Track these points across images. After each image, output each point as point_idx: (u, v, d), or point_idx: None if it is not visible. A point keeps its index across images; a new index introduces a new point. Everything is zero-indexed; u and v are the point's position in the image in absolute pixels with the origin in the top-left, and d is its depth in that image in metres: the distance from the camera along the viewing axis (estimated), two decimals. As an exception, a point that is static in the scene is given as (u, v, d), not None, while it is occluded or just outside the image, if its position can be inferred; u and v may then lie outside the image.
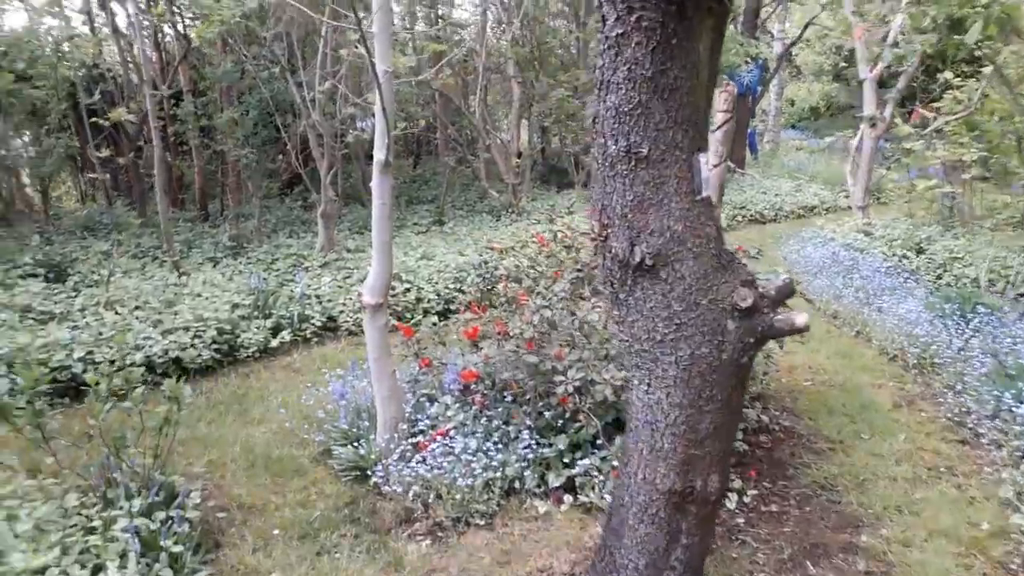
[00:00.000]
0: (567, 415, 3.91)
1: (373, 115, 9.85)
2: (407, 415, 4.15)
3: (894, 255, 8.58)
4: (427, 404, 4.27)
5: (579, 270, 4.12)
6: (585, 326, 3.94)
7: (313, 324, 6.30)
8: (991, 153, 9.46)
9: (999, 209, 9.57)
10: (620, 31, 2.01)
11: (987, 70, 9.14)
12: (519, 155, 10.63)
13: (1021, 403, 4.33)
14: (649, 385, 2.37)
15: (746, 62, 13.32)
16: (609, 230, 2.24)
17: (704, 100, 2.13)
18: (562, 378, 3.70)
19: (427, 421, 4.11)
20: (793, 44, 15.39)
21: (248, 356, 5.83)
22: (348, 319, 6.49)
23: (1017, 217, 8.93)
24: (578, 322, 3.90)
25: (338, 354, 5.96)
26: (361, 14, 4.13)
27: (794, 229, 11.31)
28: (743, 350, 2.27)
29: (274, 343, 5.98)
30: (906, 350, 5.78)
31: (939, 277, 8.01)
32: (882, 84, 10.47)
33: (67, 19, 11.41)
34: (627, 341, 2.37)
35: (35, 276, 6.72)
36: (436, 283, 7.12)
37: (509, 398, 4.05)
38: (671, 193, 2.12)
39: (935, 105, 9.59)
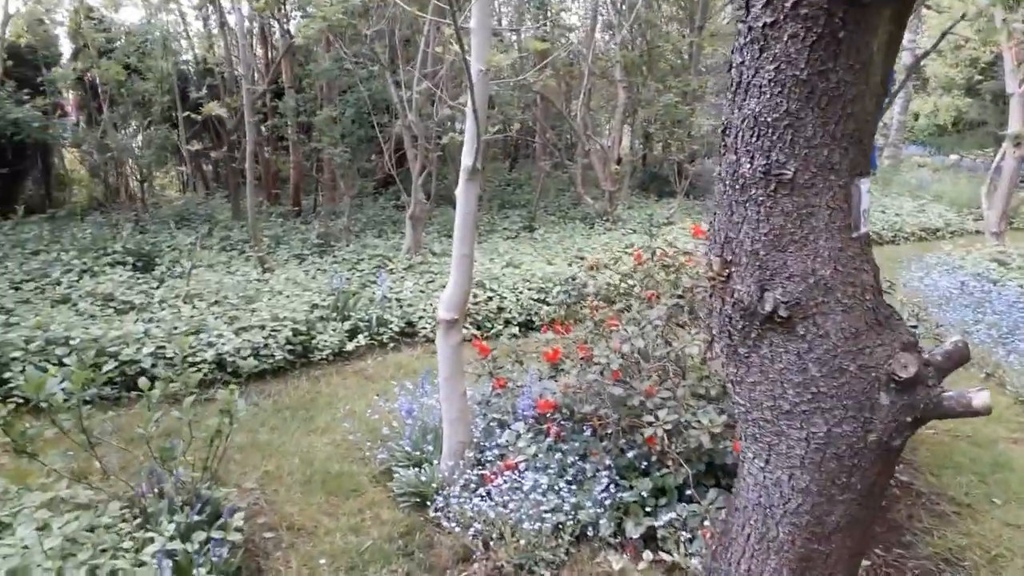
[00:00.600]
0: (653, 457, 3.45)
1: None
2: (475, 440, 3.78)
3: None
4: (497, 430, 3.88)
5: (680, 296, 3.64)
6: (680, 359, 3.47)
7: (391, 329, 6.03)
8: None
9: None
10: (769, 19, 1.55)
11: None
12: (619, 161, 10.14)
13: None
14: (767, 462, 1.90)
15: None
16: (733, 268, 1.79)
17: (873, 112, 1.64)
18: (651, 419, 3.24)
19: (495, 451, 3.73)
20: (926, 55, 14.21)
21: (322, 359, 5.61)
22: (427, 325, 6.19)
23: None
24: (674, 354, 3.43)
25: (413, 362, 5.67)
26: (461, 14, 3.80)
27: (916, 252, 10.35)
28: (896, 431, 1.78)
29: (349, 347, 5.74)
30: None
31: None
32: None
33: (183, 15, 11.73)
34: (743, 406, 1.90)
35: (123, 264, 6.74)
36: (520, 292, 6.75)
37: (588, 431, 3.62)
38: (820, 228, 1.65)
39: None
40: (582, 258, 8.11)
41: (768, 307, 1.72)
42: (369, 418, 4.49)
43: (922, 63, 15.09)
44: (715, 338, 1.91)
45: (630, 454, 3.53)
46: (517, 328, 6.44)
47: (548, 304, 6.73)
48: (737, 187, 1.72)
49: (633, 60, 10.08)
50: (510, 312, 6.50)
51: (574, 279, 4.44)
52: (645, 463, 3.50)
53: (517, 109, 9.65)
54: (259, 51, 11.36)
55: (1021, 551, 3.51)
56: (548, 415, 3.61)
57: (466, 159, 3.49)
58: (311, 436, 4.49)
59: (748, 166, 1.68)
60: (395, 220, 8.99)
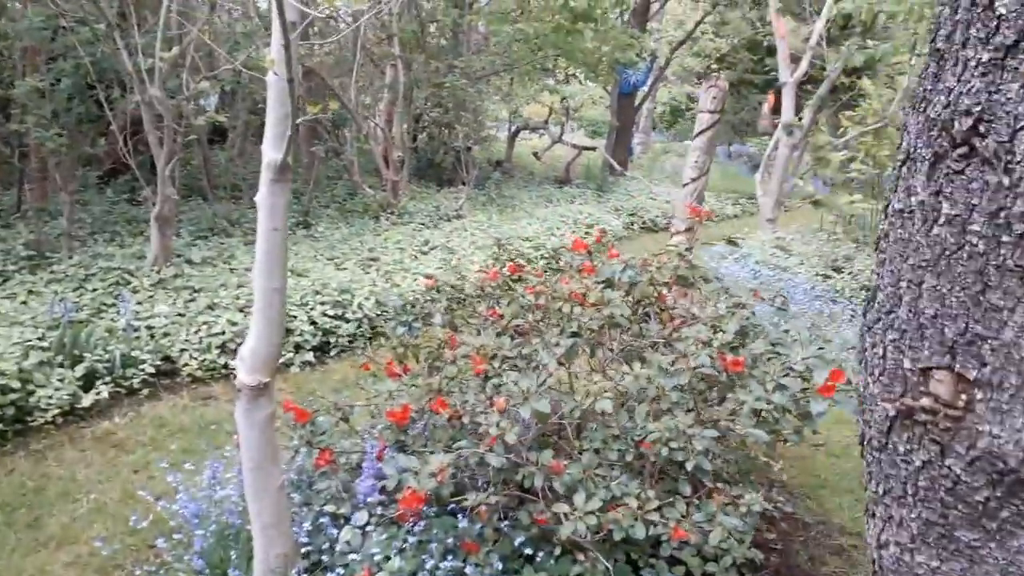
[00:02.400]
0: (558, 548, 2.63)
1: (225, 91, 8.01)
2: (301, 547, 2.71)
3: (816, 275, 7.96)
4: (330, 527, 2.82)
5: (575, 333, 2.82)
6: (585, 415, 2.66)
7: (143, 371, 4.58)
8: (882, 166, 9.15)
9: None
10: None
11: (902, 78, 8.78)
12: (400, 148, 9.14)
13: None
14: None
15: (643, 58, 12.56)
16: (980, 395, 0.96)
17: None
18: (565, 508, 2.40)
19: (331, 556, 2.69)
20: (683, 43, 14.87)
21: (47, 422, 4.04)
22: (193, 360, 4.81)
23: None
24: (578, 410, 2.61)
25: (179, 416, 4.30)
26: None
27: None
28: None
29: (86, 401, 4.22)
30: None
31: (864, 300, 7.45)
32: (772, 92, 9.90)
33: None
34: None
35: None
36: (311, 308, 5.57)
37: (463, 520, 2.70)
38: None
39: (849, 113, 9.12)
40: (375, 259, 7.06)
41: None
42: (129, 515, 3.15)
43: (673, 53, 15.78)
44: (887, 496, 1.10)
45: (517, 540, 2.69)
46: (311, 354, 5.28)
47: (347, 321, 5.63)
48: (998, 238, 0.90)
49: (412, 35, 9.10)
50: (301, 335, 5.30)
51: (413, 305, 3.44)
52: (540, 554, 2.67)
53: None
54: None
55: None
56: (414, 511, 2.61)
57: (271, 151, 2.37)
58: (41, 553, 3.07)
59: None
60: (132, 220, 7.21)
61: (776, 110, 22.95)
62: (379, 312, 5.86)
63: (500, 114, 13.44)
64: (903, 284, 1.11)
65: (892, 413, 1.13)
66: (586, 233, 9.44)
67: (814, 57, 8.92)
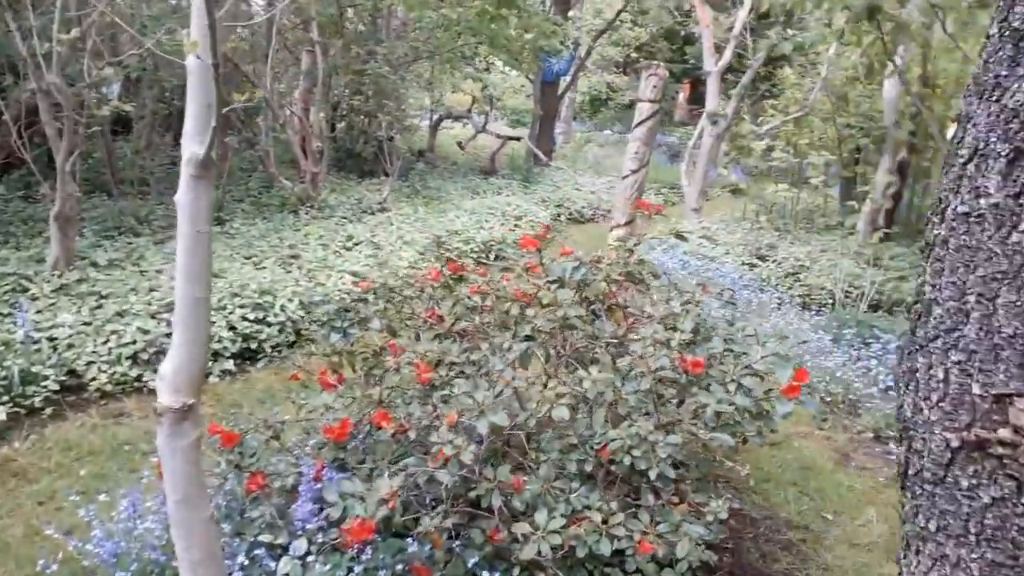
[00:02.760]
0: (516, 567, 2.47)
1: (129, 78, 7.46)
2: (236, 583, 2.47)
3: (743, 263, 8.07)
4: (267, 559, 2.58)
5: (529, 336, 2.66)
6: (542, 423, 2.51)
7: (46, 388, 4.17)
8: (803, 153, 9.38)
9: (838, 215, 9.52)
10: None
11: (822, 67, 8.97)
12: (320, 138, 8.75)
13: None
14: None
15: (568, 46, 12.48)
16: (1018, 402, 0.85)
17: None
18: (526, 528, 2.25)
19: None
20: (605, 31, 14.86)
21: (-68, 449, 3.63)
22: (103, 374, 4.43)
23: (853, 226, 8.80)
24: (533, 419, 2.46)
25: (88, 437, 3.92)
26: None
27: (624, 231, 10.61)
28: None
29: (-21, 423, 3.82)
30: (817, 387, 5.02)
31: (790, 288, 7.60)
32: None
33: None
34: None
35: None
36: (229, 312, 5.23)
37: (412, 543, 2.51)
38: None
39: (771, 102, 9.28)
40: (296, 256, 6.72)
41: None
42: (35, 556, 2.81)
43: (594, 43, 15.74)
44: (941, 533, 0.97)
45: (471, 560, 2.52)
46: (231, 362, 4.95)
47: (270, 325, 5.31)
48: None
49: (330, 19, 8.72)
50: (220, 341, 4.97)
51: (347, 311, 3.21)
52: (488, 570, 2.51)
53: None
54: None
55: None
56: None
57: (193, 144, 2.11)
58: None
59: None
60: (28, 219, 6.64)
61: (693, 100, 23.38)
62: (304, 314, 5.57)
63: (422, 102, 13.14)
64: (970, 298, 1.00)
65: (956, 444, 1.02)
66: (515, 225, 9.31)
67: (737, 46, 9.02)
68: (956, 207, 1.06)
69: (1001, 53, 1.00)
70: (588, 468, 2.45)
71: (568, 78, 14.74)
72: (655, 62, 4.27)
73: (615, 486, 2.54)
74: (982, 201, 1.02)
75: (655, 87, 4.13)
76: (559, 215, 10.99)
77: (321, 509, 2.62)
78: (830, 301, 7.09)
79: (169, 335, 4.81)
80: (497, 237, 8.61)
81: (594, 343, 2.74)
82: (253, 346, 5.18)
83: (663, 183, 13.95)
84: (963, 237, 1.05)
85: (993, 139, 0.99)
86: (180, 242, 2.19)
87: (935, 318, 1.12)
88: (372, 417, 2.81)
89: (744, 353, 2.64)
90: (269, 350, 5.25)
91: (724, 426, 2.43)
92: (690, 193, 9.36)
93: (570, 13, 16.70)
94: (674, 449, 2.33)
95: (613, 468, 2.44)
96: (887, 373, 4.89)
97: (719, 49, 9.32)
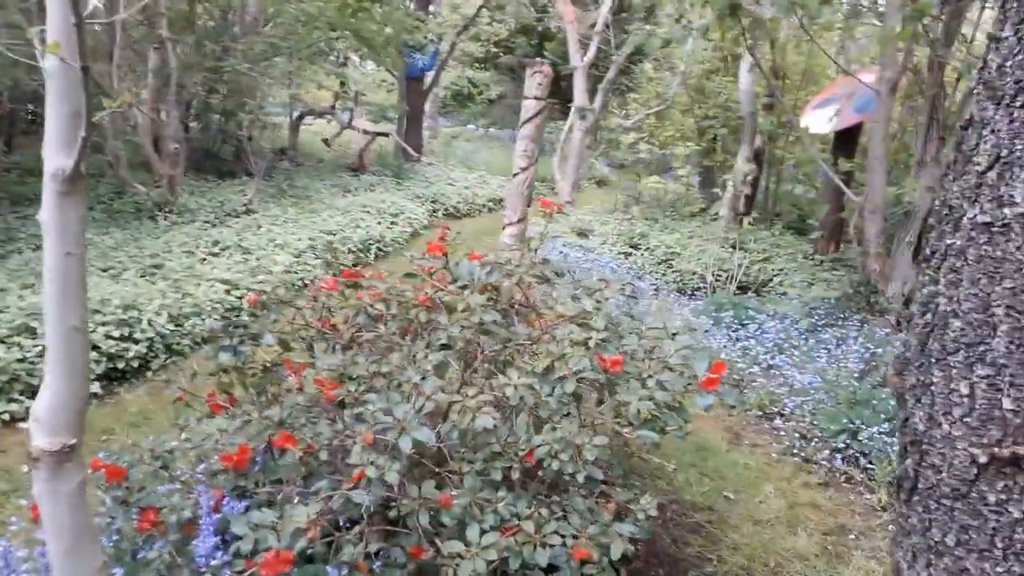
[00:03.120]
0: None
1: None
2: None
3: (619, 253, 8.28)
4: (169, 604, 2.34)
5: (445, 345, 2.55)
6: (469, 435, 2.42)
7: None
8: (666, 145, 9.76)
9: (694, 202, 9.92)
10: None
11: (679, 62, 9.33)
12: (175, 139, 8.17)
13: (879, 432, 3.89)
14: None
15: (433, 41, 12.31)
16: None
17: None
18: (458, 547, 2.15)
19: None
20: (467, 26, 14.77)
21: None
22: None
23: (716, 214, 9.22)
24: (456, 430, 2.36)
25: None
26: None
27: (495, 224, 10.61)
28: None
29: None
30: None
31: (664, 274, 7.88)
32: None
33: None
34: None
35: None
36: (91, 331, 4.76)
37: (332, 570, 2.36)
38: None
39: (634, 96, 9.56)
40: (159, 266, 6.23)
41: None
42: None
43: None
44: (962, 547, 0.96)
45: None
46: (97, 384, 4.53)
47: (136, 342, 4.89)
48: None
49: (181, 14, 8.15)
50: (82, 363, 4.51)
51: (236, 327, 2.97)
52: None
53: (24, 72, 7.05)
54: None
55: (789, 554, 3.35)
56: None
57: (58, 157, 1.86)
58: None
59: None
60: None
61: (553, 94, 23.78)
62: (174, 328, 5.17)
63: (282, 99, 12.58)
64: (997, 311, 0.99)
65: (984, 460, 1.02)
66: (392, 223, 9.10)
67: (600, 42, 9.22)
68: (975, 216, 1.06)
69: (1021, 57, 0.99)
70: (515, 476, 2.39)
71: (432, 74, 14.57)
72: (539, 60, 4.25)
73: (539, 492, 2.49)
74: (1007, 211, 1.01)
75: (540, 84, 4.11)
76: (435, 211, 10.86)
77: (225, 542, 2.42)
78: (702, 285, 7.39)
79: (21, 361, 4.34)
80: (375, 235, 8.38)
81: (509, 347, 2.68)
82: (120, 365, 4.75)
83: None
84: (985, 248, 1.04)
85: (1019, 147, 0.98)
86: (48, 267, 1.94)
87: (954, 331, 1.11)
88: (274, 440, 2.62)
89: (654, 348, 2.66)
90: (137, 369, 4.85)
91: (645, 422, 2.43)
92: (563, 186, 9.51)
93: (430, 8, 16.54)
94: (600, 451, 2.31)
95: (540, 474, 2.38)
96: (766, 352, 5.14)
97: (583, 45, 9.51)
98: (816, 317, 5.67)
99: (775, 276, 7.39)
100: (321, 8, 9.16)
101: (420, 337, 2.73)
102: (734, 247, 8.05)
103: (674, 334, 2.71)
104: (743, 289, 7.32)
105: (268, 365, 3.08)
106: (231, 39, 9.39)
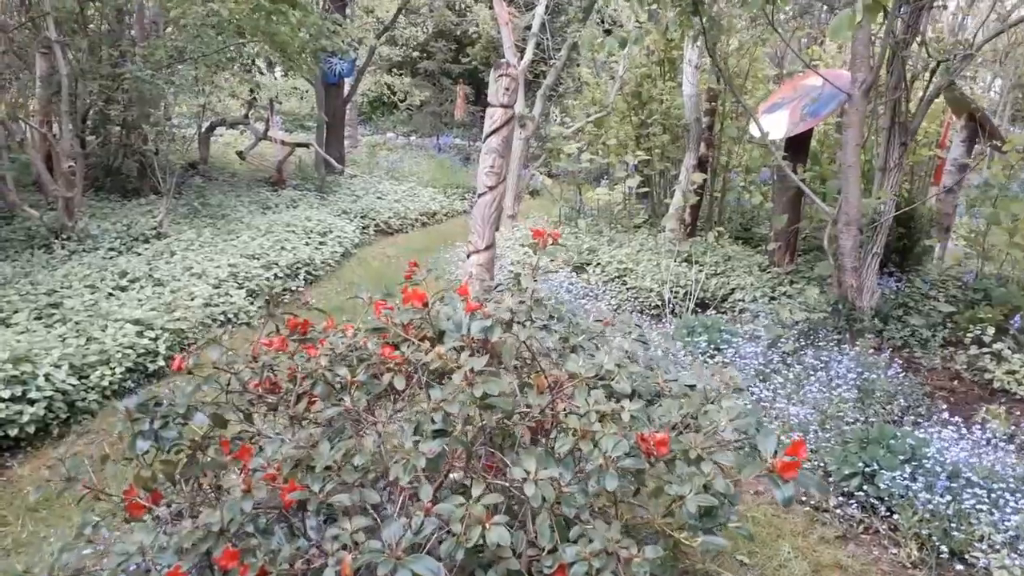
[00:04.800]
0: None
1: None
2: None
3: (570, 270, 7.81)
4: None
5: (441, 431, 1.97)
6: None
7: None
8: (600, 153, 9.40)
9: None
10: None
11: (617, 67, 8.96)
12: (72, 155, 7.22)
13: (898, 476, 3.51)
14: None
15: (353, 46, 11.60)
16: None
17: None
18: None
19: None
20: (387, 30, 14.08)
21: None
22: None
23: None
24: (462, 551, 1.80)
25: None
26: None
27: (433, 241, 10.01)
28: None
29: None
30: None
31: (620, 292, 7.46)
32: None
33: None
34: None
35: None
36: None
37: None
38: None
39: (572, 103, 9.13)
40: (57, 305, 5.37)
41: None
42: None
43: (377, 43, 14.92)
44: None
45: None
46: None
47: (32, 402, 4.10)
48: None
49: (69, 14, 7.24)
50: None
51: (156, 404, 2.32)
52: None
53: None
54: None
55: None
56: None
57: None
58: None
59: None
60: None
61: (477, 100, 23.26)
62: (78, 381, 4.40)
63: (189, 108, 11.61)
64: None
65: None
66: (321, 243, 8.38)
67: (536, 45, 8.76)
68: None
69: None
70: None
71: (352, 80, 13.83)
72: (504, 60, 3.72)
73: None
74: None
75: (507, 89, 3.57)
76: (366, 227, 10.16)
77: None
78: (659, 302, 7.01)
79: None
80: (303, 258, 7.65)
81: (516, 422, 2.13)
82: (12, 432, 3.96)
83: (466, 187, 13.53)
84: None
85: None
86: None
87: None
88: (216, 557, 2.00)
89: (695, 413, 2.17)
90: (33, 435, 4.06)
91: (702, 517, 1.93)
92: (507, 199, 8.99)
93: (347, 11, 15.77)
94: (654, 564, 1.79)
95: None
96: (748, 381, 4.74)
97: (519, 49, 9.03)
98: (796, 338, 5.33)
99: (733, 291, 7.07)
100: (232, 10, 8.36)
101: (392, 407, 2.15)
102: (687, 260, 7.71)
103: (713, 399, 2.22)
104: (703, 306, 6.97)
105: (199, 442, 2.44)
106: (130, 43, 8.48)
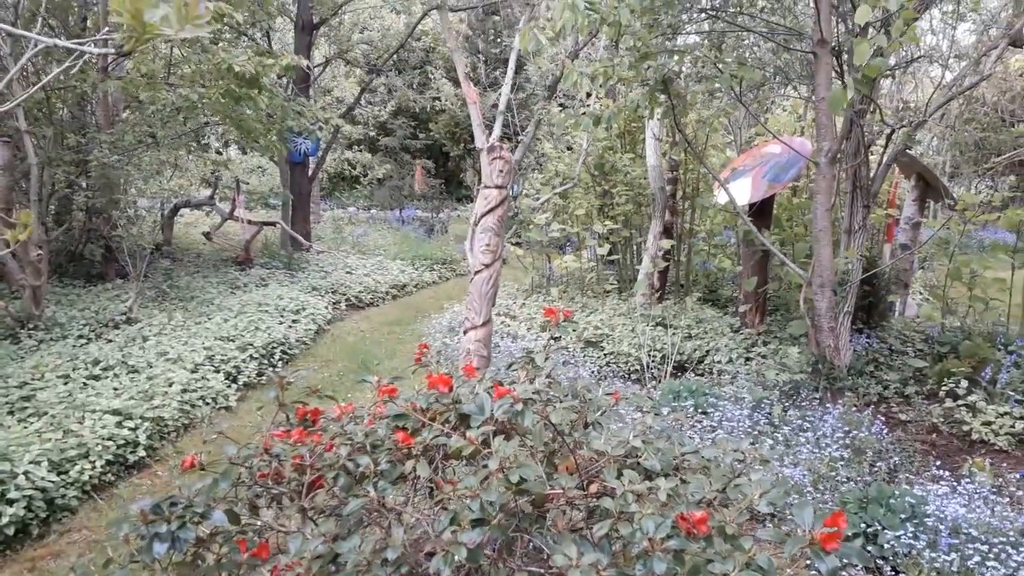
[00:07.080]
0: None
1: None
2: None
3: (550, 337, 7.84)
4: None
5: (480, 520, 1.94)
6: None
7: None
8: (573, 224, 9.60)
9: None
10: None
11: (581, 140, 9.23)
12: (39, 243, 7.10)
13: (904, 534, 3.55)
14: None
15: (320, 126, 11.74)
16: None
17: None
18: None
19: None
20: (351, 109, 14.31)
21: None
22: None
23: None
24: None
25: None
26: None
27: (406, 314, 9.99)
28: None
29: None
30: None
31: (598, 357, 7.50)
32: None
33: None
34: None
35: None
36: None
37: None
38: None
39: (537, 175, 9.34)
40: (30, 398, 5.18)
41: None
42: None
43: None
44: None
45: None
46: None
47: (11, 503, 3.92)
48: None
49: (37, 104, 7.23)
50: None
51: (174, 504, 2.25)
52: None
53: None
54: None
55: None
56: None
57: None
58: None
59: None
60: None
61: (440, 175, 23.64)
62: (57, 477, 4.23)
63: (151, 190, 11.54)
64: None
65: None
66: (294, 320, 8.29)
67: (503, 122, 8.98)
68: None
69: None
70: None
71: (317, 158, 13.95)
72: (497, 143, 3.83)
73: None
74: None
75: (501, 171, 3.66)
76: (337, 302, 10.10)
77: None
78: (638, 367, 7.06)
79: None
80: (278, 337, 7.55)
81: (549, 508, 2.12)
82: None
83: (433, 259, 13.59)
84: None
85: None
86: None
87: None
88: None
89: (726, 489, 2.19)
90: (13, 536, 3.88)
91: (744, 595, 1.93)
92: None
93: (310, 92, 16.01)
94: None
95: None
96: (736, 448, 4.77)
97: (487, 126, 9.24)
98: (778, 399, 5.41)
99: (708, 353, 7.17)
100: (202, 95, 8.43)
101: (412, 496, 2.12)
102: (661, 324, 7.82)
103: (741, 472, 2.25)
104: (681, 369, 7.05)
105: (205, 540, 2.37)
106: (95, 129, 8.47)
